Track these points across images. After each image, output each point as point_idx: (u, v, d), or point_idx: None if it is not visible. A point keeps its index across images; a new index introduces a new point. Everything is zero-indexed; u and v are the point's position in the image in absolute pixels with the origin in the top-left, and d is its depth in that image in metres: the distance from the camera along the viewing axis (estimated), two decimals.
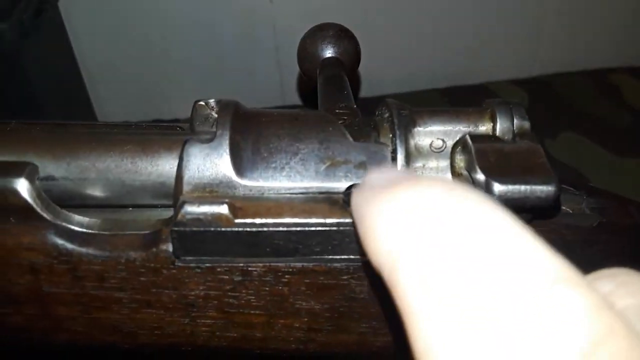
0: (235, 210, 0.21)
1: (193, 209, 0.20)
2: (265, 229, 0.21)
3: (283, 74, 0.92)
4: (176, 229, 0.21)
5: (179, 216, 0.21)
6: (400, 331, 0.12)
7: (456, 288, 0.11)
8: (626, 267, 0.13)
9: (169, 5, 0.78)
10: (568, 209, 0.24)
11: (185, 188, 0.22)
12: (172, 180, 0.23)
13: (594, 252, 0.25)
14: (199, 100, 0.24)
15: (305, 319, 0.24)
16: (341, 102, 0.27)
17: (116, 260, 0.22)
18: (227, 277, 0.22)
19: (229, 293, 0.23)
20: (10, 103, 0.67)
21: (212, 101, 0.24)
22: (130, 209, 0.24)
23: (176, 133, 0.24)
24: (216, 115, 0.24)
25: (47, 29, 0.69)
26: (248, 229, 0.21)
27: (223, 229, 0.21)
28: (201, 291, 0.23)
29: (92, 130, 0.24)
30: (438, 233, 0.12)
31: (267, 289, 0.23)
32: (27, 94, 0.68)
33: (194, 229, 0.21)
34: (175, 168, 0.23)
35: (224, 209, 0.20)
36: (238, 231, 0.21)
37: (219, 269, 0.22)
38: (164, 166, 0.23)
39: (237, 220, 0.21)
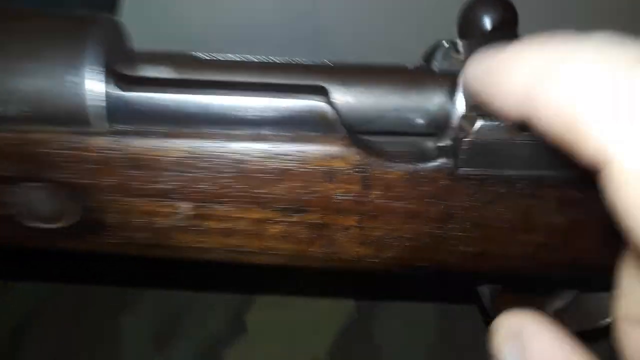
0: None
1: (487, 122, 0.24)
2: None
3: None
4: (466, 140, 0.24)
5: (473, 128, 0.24)
6: None
7: None
8: None
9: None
10: None
11: (461, 111, 0.25)
12: (438, 110, 0.26)
13: None
14: (439, 42, 0.28)
15: (542, 234, 0.27)
16: None
17: (404, 171, 0.25)
18: (493, 188, 0.26)
19: (488, 205, 0.26)
20: None
21: (459, 42, 0.28)
22: (395, 135, 0.27)
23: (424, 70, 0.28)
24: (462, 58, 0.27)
25: None
26: (531, 141, 0.24)
27: (511, 140, 0.24)
28: (466, 202, 0.26)
29: (365, 64, 0.27)
30: None
31: (520, 201, 0.26)
32: None
33: (482, 141, 0.24)
34: (442, 100, 0.26)
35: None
36: (524, 143, 0.24)
37: (490, 181, 0.26)
38: (433, 98, 0.26)
39: (523, 133, 0.24)
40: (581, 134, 0.14)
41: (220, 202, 0.25)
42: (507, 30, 0.38)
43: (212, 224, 0.26)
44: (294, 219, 0.26)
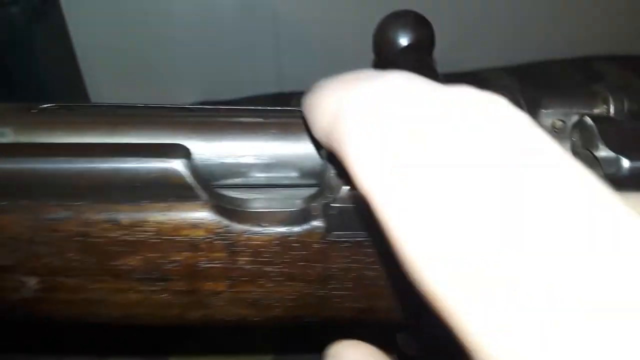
0: None
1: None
2: None
3: (282, 60, 0.93)
4: (335, 205, 0.22)
5: (340, 193, 0.22)
6: None
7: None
8: None
9: None
10: None
11: (335, 170, 0.23)
12: (315, 161, 0.24)
13: None
14: None
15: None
16: None
17: (272, 236, 0.23)
18: (372, 250, 0.24)
19: (370, 265, 0.24)
20: (17, 89, 0.65)
21: None
22: (267, 188, 0.25)
23: None
24: None
25: (51, 13, 0.67)
26: None
27: None
28: (344, 264, 0.24)
29: (231, 112, 0.25)
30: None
31: None
32: (35, 80, 0.66)
33: (352, 205, 0.22)
34: (312, 149, 0.24)
35: None
36: None
37: (366, 243, 0.24)
38: (307, 148, 0.24)
39: None
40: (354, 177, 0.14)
41: (68, 276, 0.23)
42: (424, 47, 0.36)
43: (66, 296, 0.23)
44: (157, 288, 0.24)
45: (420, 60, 0.34)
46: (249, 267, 0.24)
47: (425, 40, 0.36)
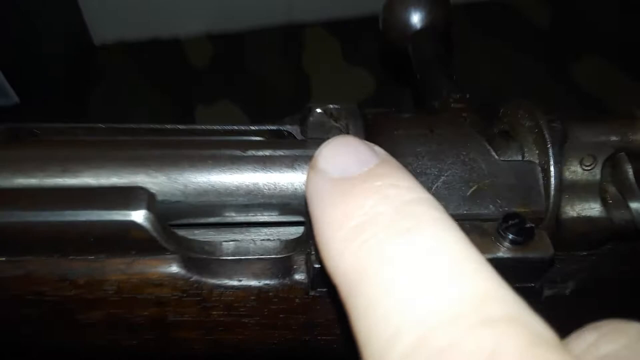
0: None
1: None
2: None
3: None
4: (318, 266, 0.19)
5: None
6: None
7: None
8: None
9: None
10: None
11: None
12: (299, 200, 0.21)
13: None
14: (315, 107, 0.22)
15: None
16: (452, 92, 0.25)
17: (248, 291, 0.21)
18: None
19: None
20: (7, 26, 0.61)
21: (332, 107, 0.21)
22: (246, 227, 0.22)
23: (293, 144, 0.22)
24: (336, 124, 0.21)
25: None
26: None
27: None
28: (330, 315, 0.22)
29: (203, 143, 0.21)
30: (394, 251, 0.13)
31: None
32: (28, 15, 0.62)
33: None
34: (298, 185, 0.21)
35: None
36: None
37: None
38: (290, 184, 0.21)
39: None
40: None
41: (26, 328, 0.21)
42: (438, 31, 0.31)
43: (27, 343, 0.22)
44: (125, 337, 0.22)
45: (434, 48, 0.30)
46: (223, 319, 0.21)
47: (440, 22, 0.31)
